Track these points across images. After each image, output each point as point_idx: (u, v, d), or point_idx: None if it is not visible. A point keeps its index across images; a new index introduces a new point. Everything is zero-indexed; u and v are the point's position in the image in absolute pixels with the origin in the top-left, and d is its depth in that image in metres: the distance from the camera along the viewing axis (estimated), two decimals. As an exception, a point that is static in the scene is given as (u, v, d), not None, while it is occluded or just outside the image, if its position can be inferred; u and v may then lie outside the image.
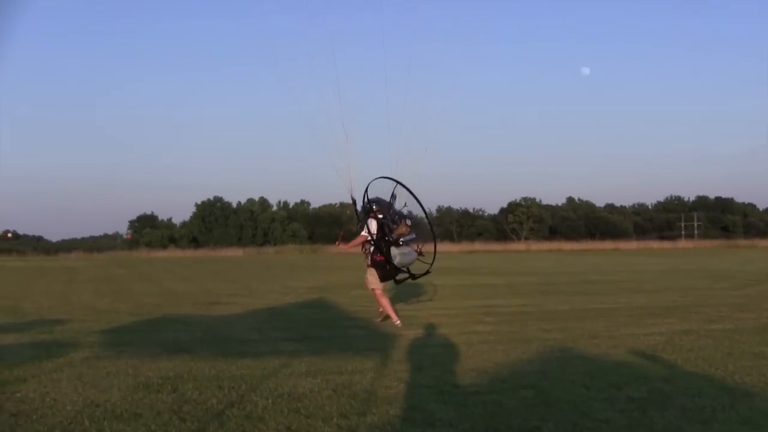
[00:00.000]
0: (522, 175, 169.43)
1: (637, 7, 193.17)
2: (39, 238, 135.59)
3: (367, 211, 15.27)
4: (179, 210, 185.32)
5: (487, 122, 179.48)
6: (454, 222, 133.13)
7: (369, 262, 15.64)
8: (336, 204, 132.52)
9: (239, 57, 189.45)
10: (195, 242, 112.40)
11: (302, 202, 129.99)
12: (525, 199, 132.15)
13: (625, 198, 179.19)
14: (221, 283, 33.18)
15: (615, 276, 35.97)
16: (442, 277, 36.22)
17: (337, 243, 16.57)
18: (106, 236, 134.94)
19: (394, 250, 15.03)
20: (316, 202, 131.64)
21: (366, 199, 15.21)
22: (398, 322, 15.52)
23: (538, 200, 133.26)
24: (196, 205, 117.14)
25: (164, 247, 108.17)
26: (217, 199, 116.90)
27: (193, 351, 12.26)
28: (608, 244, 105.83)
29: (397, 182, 15.32)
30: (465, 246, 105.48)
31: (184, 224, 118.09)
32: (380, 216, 15.14)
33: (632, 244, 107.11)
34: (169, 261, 69.54)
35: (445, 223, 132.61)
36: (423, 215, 15.92)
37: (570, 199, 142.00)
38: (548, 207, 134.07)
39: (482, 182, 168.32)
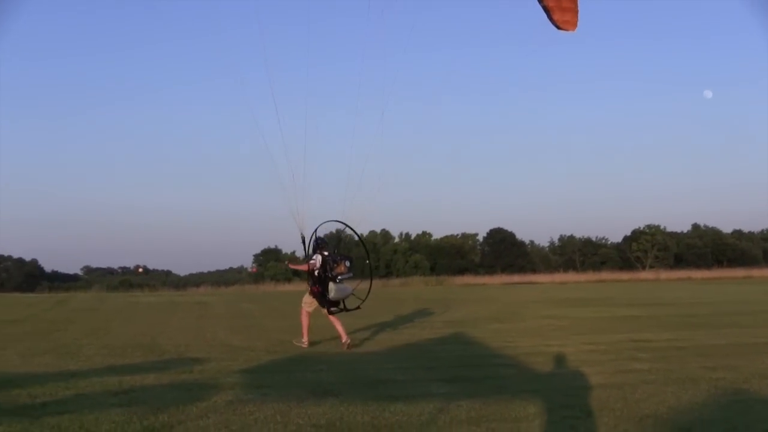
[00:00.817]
0: (645, 202, 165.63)
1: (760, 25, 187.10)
2: (168, 273, 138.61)
3: (317, 247, 18.69)
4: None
5: (609, 150, 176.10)
6: (576, 251, 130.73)
7: (309, 290, 19.29)
8: (458, 235, 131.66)
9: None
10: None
11: (424, 233, 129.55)
12: (649, 226, 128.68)
13: (753, 224, 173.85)
14: (354, 318, 32.79)
15: (759, 306, 34.33)
16: (578, 309, 35.23)
17: (286, 262, 18.12)
18: (231, 270, 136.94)
19: (331, 285, 18.38)
20: (437, 233, 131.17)
21: (315, 237, 18.66)
22: (305, 344, 19.04)
23: (662, 227, 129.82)
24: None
25: (288, 280, 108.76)
26: (339, 232, 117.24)
27: (340, 394, 11.79)
28: (739, 272, 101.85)
29: (346, 225, 18.66)
30: (591, 275, 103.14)
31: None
32: (326, 254, 18.66)
33: (765, 272, 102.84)
34: (296, 294, 69.65)
35: (567, 252, 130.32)
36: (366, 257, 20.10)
37: (695, 226, 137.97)
38: (673, 234, 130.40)
39: (605, 210, 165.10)
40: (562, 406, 10.45)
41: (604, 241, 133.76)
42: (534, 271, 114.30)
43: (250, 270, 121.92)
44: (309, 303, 19.56)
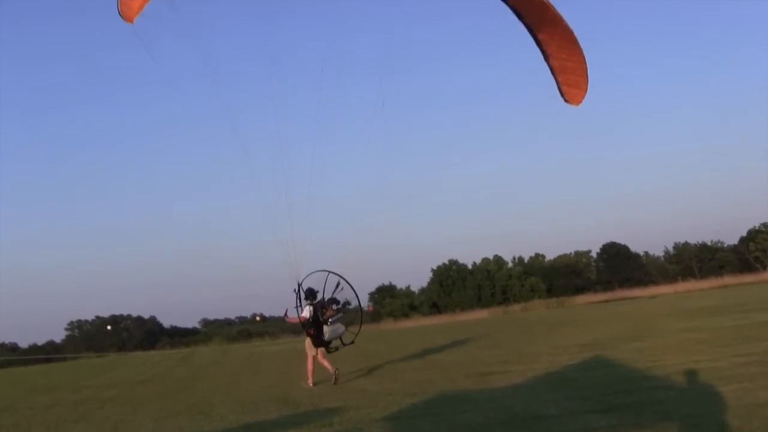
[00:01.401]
0: (758, 199, 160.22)
1: None
2: (284, 319, 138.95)
3: (307, 298, 21.16)
4: (416, 277, 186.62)
5: (714, 150, 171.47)
6: (693, 258, 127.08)
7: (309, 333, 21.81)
8: (571, 253, 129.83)
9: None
10: (435, 307, 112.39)
11: (537, 255, 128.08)
12: (765, 224, 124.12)
13: None
14: (484, 349, 32.04)
15: None
16: (713, 318, 33.93)
17: (284, 313, 21.79)
18: (349, 310, 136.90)
19: (325, 328, 21.19)
20: (551, 254, 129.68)
21: (299, 288, 20.87)
22: (310, 384, 21.36)
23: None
24: (433, 270, 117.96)
25: (406, 315, 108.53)
26: (453, 262, 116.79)
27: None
28: None
29: (337, 274, 20.62)
30: (713, 281, 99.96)
31: (422, 291, 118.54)
32: (316, 301, 21.18)
33: None
34: (418, 330, 69.31)
35: (684, 260, 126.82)
36: (356, 299, 21.55)
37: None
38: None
39: (717, 212, 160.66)
40: (740, 429, 9.75)
41: (719, 244, 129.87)
42: (652, 282, 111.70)
43: (366, 309, 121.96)
44: (309, 347, 22.35)
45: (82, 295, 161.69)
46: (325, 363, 22.14)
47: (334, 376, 21.77)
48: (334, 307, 21.16)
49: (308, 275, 20.80)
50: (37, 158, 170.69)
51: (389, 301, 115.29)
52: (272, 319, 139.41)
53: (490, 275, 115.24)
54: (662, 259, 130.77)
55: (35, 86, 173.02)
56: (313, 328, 21.39)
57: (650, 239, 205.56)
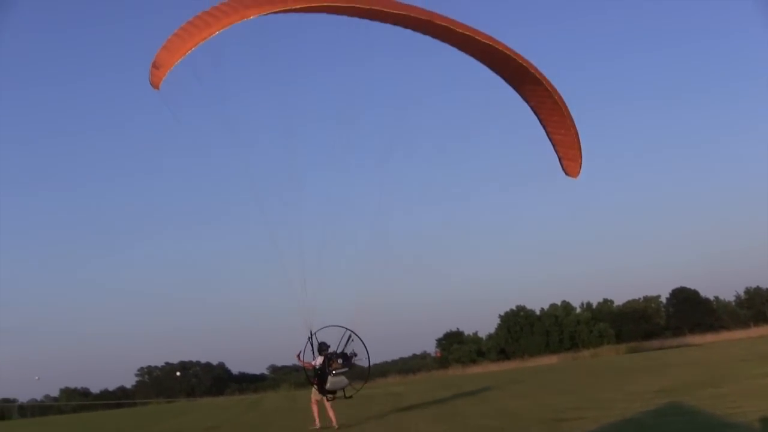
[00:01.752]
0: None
1: None
2: (352, 365, 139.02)
3: (320, 350, 22.75)
4: (484, 323, 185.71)
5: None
6: (765, 302, 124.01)
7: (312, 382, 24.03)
8: (640, 298, 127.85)
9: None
10: (503, 353, 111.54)
11: (605, 300, 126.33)
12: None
13: None
14: (556, 395, 31.57)
15: None
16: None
17: (297, 355, 23.29)
18: (414, 356, 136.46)
19: (329, 378, 22.76)
20: (619, 299, 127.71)
21: (313, 340, 22.43)
22: (317, 426, 24.85)
23: None
24: (500, 316, 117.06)
25: (473, 361, 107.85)
26: (520, 308, 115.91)
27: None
28: None
29: (351, 330, 22.65)
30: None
31: (490, 337, 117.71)
32: (327, 353, 22.78)
33: None
34: (486, 376, 68.76)
35: (756, 305, 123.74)
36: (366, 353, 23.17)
37: None
38: None
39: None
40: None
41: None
42: (723, 328, 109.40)
43: (434, 355, 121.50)
44: (314, 393, 24.87)
45: (152, 342, 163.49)
46: (330, 413, 25.03)
47: (335, 427, 24.86)
48: (340, 361, 22.78)
49: (324, 327, 22.58)
50: (109, 219, 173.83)
51: (457, 347, 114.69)
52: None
53: (558, 321, 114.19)
54: (733, 303, 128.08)
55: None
56: (317, 377, 23.40)
57: (721, 284, 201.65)
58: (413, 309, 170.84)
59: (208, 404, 64.69)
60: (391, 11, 16.61)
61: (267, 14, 15.74)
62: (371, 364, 23.94)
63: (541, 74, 18.29)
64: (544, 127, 19.81)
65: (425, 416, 28.04)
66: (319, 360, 22.83)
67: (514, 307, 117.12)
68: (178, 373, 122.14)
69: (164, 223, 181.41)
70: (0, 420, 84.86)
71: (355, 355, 23.19)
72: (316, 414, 25.19)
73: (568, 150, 20.10)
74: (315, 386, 23.97)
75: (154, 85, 16.29)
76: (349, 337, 22.57)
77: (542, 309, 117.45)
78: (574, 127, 19.35)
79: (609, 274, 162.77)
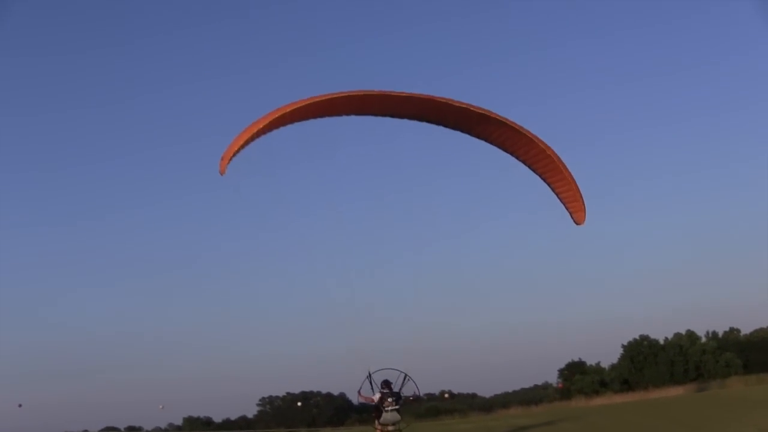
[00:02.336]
0: None
1: None
2: (473, 395, 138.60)
3: (383, 386, 25.68)
4: (606, 353, 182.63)
5: None
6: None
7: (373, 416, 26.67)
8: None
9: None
10: (626, 384, 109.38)
11: (731, 329, 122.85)
12: None
13: None
14: (683, 428, 31.04)
15: None
16: None
17: (358, 391, 26.36)
18: (536, 387, 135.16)
19: (383, 414, 25.47)
20: (746, 328, 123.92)
21: (370, 377, 25.87)
22: None
23: None
24: (623, 346, 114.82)
25: (596, 392, 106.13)
26: (644, 338, 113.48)
27: None
28: None
29: (402, 372, 25.90)
30: None
31: (613, 367, 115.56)
32: (386, 391, 25.55)
33: None
34: (610, 407, 67.66)
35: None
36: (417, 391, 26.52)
37: None
38: None
39: None
40: None
41: None
42: None
43: (556, 386, 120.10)
44: (377, 424, 26.40)
45: (274, 372, 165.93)
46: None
47: None
48: (390, 399, 25.45)
49: (383, 369, 26.13)
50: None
51: (579, 377, 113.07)
52: (460, 395, 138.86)
53: (683, 351, 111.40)
54: None
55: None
56: (375, 411, 26.24)
57: None
58: (534, 339, 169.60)
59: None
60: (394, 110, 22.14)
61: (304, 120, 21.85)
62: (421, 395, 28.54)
63: (534, 136, 21.52)
64: (549, 185, 22.94)
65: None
66: (377, 396, 25.77)
67: (637, 337, 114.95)
68: (299, 403, 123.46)
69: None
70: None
71: (417, 396, 27.38)
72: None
73: (572, 203, 23.05)
74: (377, 419, 26.32)
75: (221, 172, 22.07)
76: (405, 377, 25.78)
77: (666, 338, 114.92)
78: (569, 176, 22.22)
79: (735, 303, 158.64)
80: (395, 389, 25.77)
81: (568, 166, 22.42)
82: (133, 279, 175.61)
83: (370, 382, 25.95)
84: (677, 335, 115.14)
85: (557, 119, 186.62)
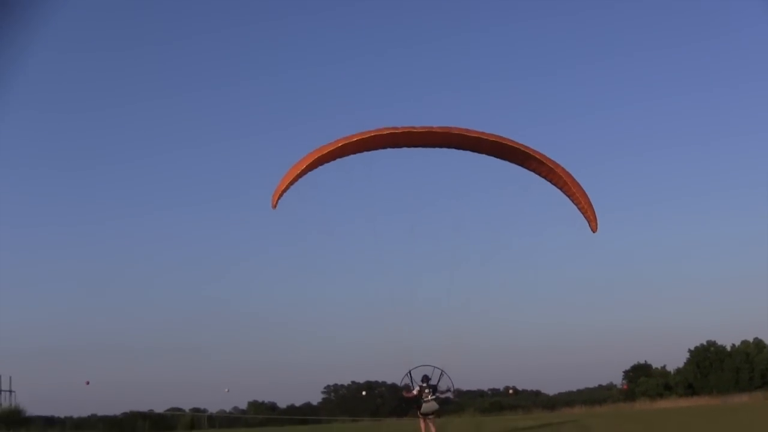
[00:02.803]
0: None
1: None
2: (537, 393, 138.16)
3: (422, 380, 28.64)
4: (672, 356, 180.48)
5: None
6: None
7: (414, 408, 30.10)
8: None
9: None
10: (691, 389, 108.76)
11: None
12: None
13: None
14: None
15: None
16: None
17: (403, 392, 30.04)
18: (600, 387, 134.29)
19: (423, 404, 28.65)
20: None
21: (410, 375, 28.90)
22: None
23: None
24: (689, 350, 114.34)
25: (660, 395, 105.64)
26: (711, 343, 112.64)
27: None
28: None
29: (436, 367, 28.76)
30: None
31: (678, 371, 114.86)
32: (423, 385, 28.57)
33: None
34: (675, 411, 67.26)
35: None
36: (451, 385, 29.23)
37: None
38: None
39: None
40: None
41: None
42: None
43: (620, 387, 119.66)
44: (419, 415, 29.50)
45: (340, 361, 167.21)
46: (432, 429, 29.52)
47: None
48: (427, 391, 28.49)
49: (420, 366, 28.81)
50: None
51: (644, 380, 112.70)
52: (524, 392, 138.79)
53: (750, 358, 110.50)
54: None
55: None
56: (415, 404, 29.23)
57: None
58: (600, 339, 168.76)
59: (394, 426, 66.29)
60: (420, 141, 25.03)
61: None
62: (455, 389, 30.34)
63: (543, 156, 25.12)
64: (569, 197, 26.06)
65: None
66: (416, 389, 28.73)
67: (704, 342, 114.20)
68: (363, 393, 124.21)
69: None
70: (190, 429, 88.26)
71: (448, 389, 29.33)
72: (423, 429, 29.66)
73: (585, 212, 26.09)
74: (418, 410, 29.30)
75: (273, 206, 26.27)
76: (441, 373, 28.51)
77: (733, 345, 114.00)
78: (580, 189, 25.61)
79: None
80: (432, 383, 28.62)
81: (578, 182, 26.03)
82: (202, 263, 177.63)
83: (410, 379, 29.02)
84: (744, 342, 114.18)
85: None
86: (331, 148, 24.86)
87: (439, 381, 28.86)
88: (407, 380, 29.11)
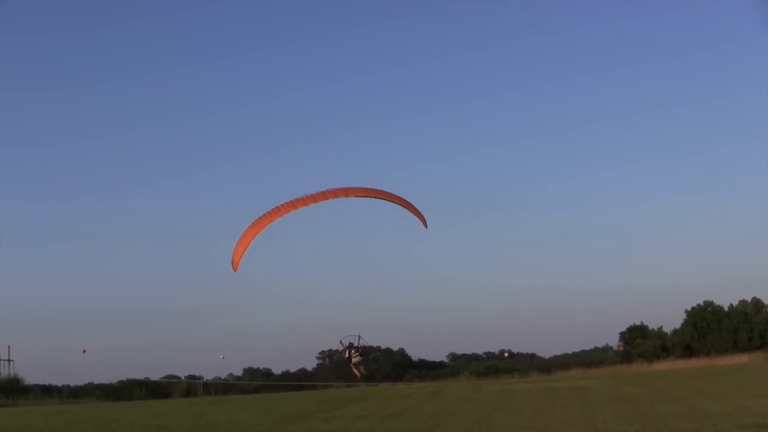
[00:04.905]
0: None
1: None
2: (533, 356, 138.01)
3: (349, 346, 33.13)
4: (669, 317, 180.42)
5: None
6: None
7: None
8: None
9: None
10: (688, 350, 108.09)
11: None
12: None
13: None
14: (753, 398, 30.19)
15: None
16: None
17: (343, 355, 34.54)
18: (596, 349, 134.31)
19: (353, 359, 33.34)
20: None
21: (341, 343, 33.26)
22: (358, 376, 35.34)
23: None
24: (686, 311, 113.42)
25: (657, 357, 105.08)
26: (708, 303, 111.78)
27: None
28: None
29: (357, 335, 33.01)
30: None
31: (675, 332, 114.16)
32: (349, 347, 33.07)
33: None
34: (672, 373, 66.77)
35: None
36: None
37: None
38: None
39: None
40: None
41: None
42: None
43: (617, 349, 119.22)
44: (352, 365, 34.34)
45: (333, 326, 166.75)
46: (356, 372, 34.62)
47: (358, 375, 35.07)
48: (352, 351, 33.51)
49: (348, 336, 33.27)
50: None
51: (640, 341, 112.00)
52: (519, 355, 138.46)
53: (748, 318, 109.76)
54: None
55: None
56: (349, 360, 34.08)
57: None
58: (595, 301, 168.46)
59: (388, 390, 65.49)
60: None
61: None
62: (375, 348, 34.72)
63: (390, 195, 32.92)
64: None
65: (614, 414, 27.47)
66: (347, 353, 33.70)
67: (701, 302, 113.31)
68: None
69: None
70: (186, 396, 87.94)
71: (364, 346, 34.09)
72: (356, 371, 34.44)
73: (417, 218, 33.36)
74: (350, 363, 34.14)
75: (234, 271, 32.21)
76: (358, 337, 33.22)
77: (731, 305, 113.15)
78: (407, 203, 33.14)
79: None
80: (355, 345, 33.49)
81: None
82: (199, 228, 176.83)
83: (342, 345, 33.96)
84: (742, 302, 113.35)
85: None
86: (273, 217, 31.22)
87: (359, 342, 33.99)
88: (340, 347, 34.25)
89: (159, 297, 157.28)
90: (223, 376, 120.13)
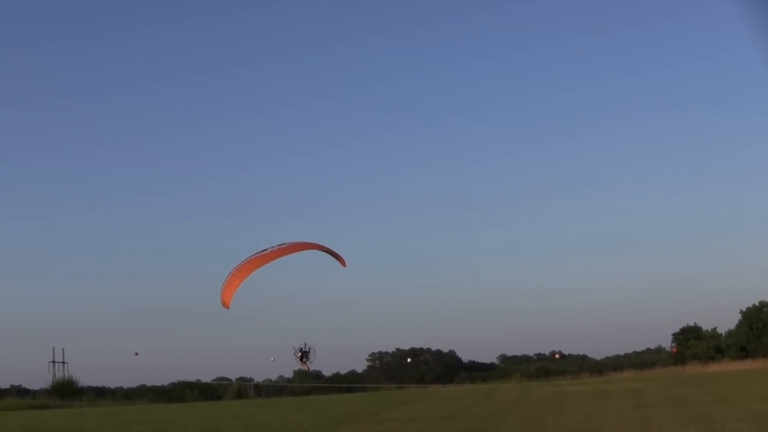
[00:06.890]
0: None
1: None
2: (584, 357, 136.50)
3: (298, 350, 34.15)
4: (724, 318, 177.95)
5: None
6: None
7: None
8: None
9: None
10: (743, 351, 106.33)
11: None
12: None
13: None
14: None
15: None
16: None
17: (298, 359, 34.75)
18: (648, 351, 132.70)
19: (303, 360, 34.06)
20: None
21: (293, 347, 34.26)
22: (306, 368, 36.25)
23: None
24: (741, 312, 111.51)
25: (711, 358, 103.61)
26: (763, 304, 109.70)
27: None
28: None
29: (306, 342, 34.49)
30: None
31: (729, 333, 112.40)
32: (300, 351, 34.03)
33: None
34: (728, 375, 65.65)
35: None
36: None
37: None
38: None
39: None
40: None
41: None
42: None
43: (670, 350, 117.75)
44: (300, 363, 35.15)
45: (384, 328, 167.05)
46: (303, 367, 35.35)
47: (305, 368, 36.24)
48: (300, 354, 34.26)
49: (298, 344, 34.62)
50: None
51: (694, 342, 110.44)
52: (570, 356, 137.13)
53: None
54: None
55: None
56: (300, 359, 34.66)
57: None
58: (648, 302, 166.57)
59: (439, 392, 65.19)
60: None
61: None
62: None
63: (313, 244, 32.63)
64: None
65: (669, 416, 26.99)
66: (298, 355, 34.61)
67: (756, 303, 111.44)
68: (408, 360, 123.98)
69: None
70: (237, 398, 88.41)
71: (309, 349, 34.98)
72: (302, 365, 35.24)
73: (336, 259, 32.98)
74: (300, 360, 34.81)
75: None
76: (305, 344, 34.60)
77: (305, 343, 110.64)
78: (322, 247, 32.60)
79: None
80: (305, 350, 34.62)
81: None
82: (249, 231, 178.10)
83: (294, 350, 35.46)
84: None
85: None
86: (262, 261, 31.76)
87: (308, 348, 35.46)
88: (293, 351, 35.43)
89: (210, 300, 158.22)
90: (273, 378, 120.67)
